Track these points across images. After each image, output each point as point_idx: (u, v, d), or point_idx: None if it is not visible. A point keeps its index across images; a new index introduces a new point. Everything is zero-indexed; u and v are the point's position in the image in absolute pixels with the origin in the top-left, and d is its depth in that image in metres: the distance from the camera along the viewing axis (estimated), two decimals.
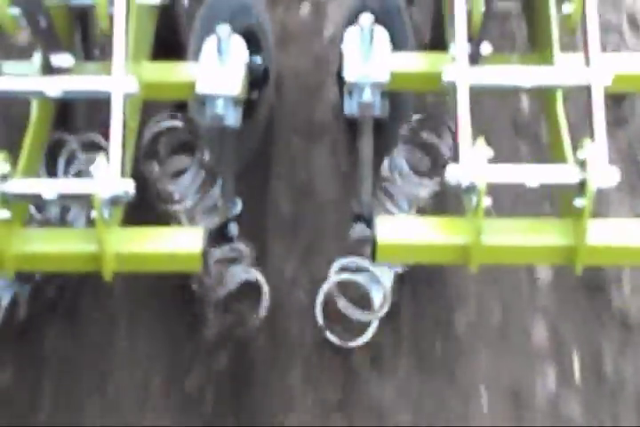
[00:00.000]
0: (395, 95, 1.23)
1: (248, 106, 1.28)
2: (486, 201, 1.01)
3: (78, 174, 1.38)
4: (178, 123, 1.33)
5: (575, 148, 1.12)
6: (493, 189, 1.03)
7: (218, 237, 1.28)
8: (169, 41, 1.40)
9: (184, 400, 1.35)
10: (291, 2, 1.92)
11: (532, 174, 1.08)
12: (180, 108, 1.36)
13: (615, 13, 1.92)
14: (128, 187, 1.02)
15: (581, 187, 1.04)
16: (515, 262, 1.36)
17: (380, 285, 1.30)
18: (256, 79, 1.29)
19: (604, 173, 1.05)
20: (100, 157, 1.02)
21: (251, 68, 1.22)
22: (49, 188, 1.07)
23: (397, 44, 1.22)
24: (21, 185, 1.07)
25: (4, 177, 1.03)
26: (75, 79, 1.19)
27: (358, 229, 1.27)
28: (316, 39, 1.88)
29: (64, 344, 1.42)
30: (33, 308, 1.35)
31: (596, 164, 1.05)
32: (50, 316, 1.42)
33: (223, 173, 1.35)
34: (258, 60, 1.27)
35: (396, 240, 1.14)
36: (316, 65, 1.83)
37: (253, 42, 1.33)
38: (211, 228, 1.24)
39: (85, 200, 1.02)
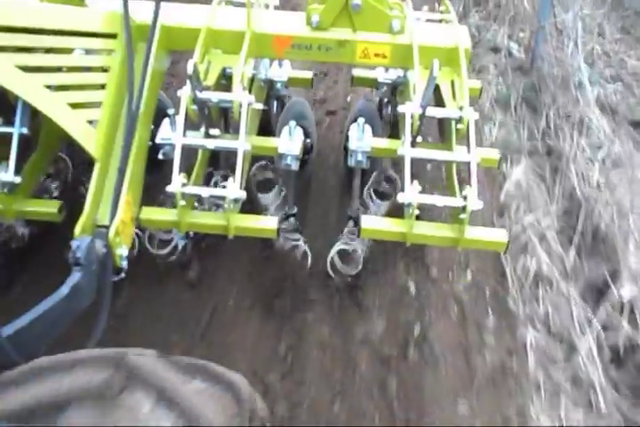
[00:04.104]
0: (372, 158, 2.19)
1: (302, 162, 2.22)
2: (416, 211, 1.88)
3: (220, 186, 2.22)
4: (269, 167, 2.31)
5: (460, 188, 1.96)
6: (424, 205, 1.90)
7: (285, 222, 2.29)
8: (264, 121, 2.41)
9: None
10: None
11: (440, 200, 1.90)
12: (270, 159, 2.31)
13: None
14: (242, 194, 1.90)
15: (463, 208, 1.88)
16: (428, 243, 2.21)
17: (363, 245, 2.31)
18: (306, 149, 2.24)
19: (474, 203, 1.86)
20: (230, 180, 1.92)
21: (304, 143, 2.15)
22: (205, 191, 1.93)
23: (375, 133, 2.16)
24: (192, 189, 1.91)
25: (184, 184, 1.88)
26: (219, 141, 2.01)
27: (351, 223, 2.28)
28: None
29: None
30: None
31: (471, 197, 1.86)
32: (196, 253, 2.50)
33: (289, 191, 2.31)
34: (308, 140, 2.23)
35: (370, 226, 2.01)
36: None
37: (306, 131, 2.24)
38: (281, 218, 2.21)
39: (222, 198, 1.91)
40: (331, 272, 2.36)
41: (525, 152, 3.29)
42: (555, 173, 3.15)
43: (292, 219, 2.32)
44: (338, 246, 2.31)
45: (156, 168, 2.19)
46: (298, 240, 2.34)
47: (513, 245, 2.68)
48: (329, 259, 2.31)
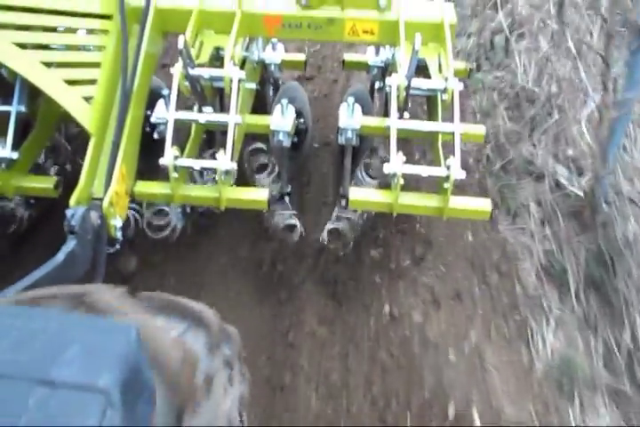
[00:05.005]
0: (362, 136, 2.23)
1: (294, 145, 2.29)
2: (401, 181, 1.92)
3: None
4: (261, 145, 2.37)
5: (445, 159, 1.99)
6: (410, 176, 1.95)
7: (279, 202, 2.33)
8: (260, 105, 2.48)
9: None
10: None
11: (425, 171, 1.96)
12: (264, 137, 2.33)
13: None
14: (233, 166, 1.95)
15: (447, 177, 1.92)
16: (413, 213, 2.27)
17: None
18: (299, 131, 2.30)
19: (457, 172, 1.90)
20: (221, 151, 1.94)
21: (297, 124, 2.21)
22: (197, 163, 1.99)
23: (365, 112, 2.20)
24: (184, 161, 1.97)
25: (176, 157, 1.93)
26: (211, 115, 2.06)
27: (342, 202, 2.31)
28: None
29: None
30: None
31: (454, 167, 1.90)
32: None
33: (282, 170, 2.35)
34: (301, 121, 2.30)
35: (358, 198, 2.06)
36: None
37: (299, 113, 2.31)
38: (275, 197, 2.26)
39: (213, 170, 1.96)
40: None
41: (603, 389, 2.06)
42: None
43: (286, 197, 2.36)
44: (330, 225, 2.34)
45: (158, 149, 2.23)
46: (292, 218, 2.37)
47: None
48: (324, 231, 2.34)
